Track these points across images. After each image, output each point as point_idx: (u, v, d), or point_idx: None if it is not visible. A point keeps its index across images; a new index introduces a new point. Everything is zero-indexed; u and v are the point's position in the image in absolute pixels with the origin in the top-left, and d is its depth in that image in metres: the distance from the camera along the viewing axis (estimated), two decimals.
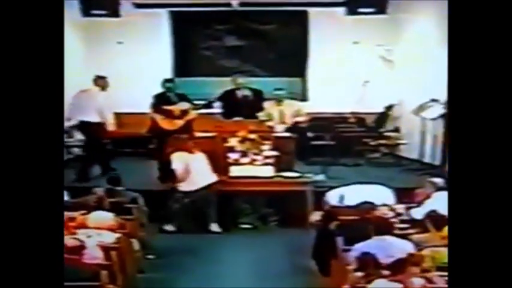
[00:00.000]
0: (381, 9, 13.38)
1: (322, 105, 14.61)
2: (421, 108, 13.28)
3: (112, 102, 12.77)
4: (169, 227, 10.94)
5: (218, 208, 11.11)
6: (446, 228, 7.47)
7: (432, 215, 7.97)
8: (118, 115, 14.69)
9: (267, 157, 11.32)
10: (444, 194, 9.11)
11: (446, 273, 6.60)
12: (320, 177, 11.70)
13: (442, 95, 12.29)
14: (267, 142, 11.42)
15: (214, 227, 11.00)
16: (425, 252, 7.05)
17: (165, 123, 12.09)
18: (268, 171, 11.23)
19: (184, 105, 12.16)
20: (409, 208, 9.11)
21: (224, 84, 13.25)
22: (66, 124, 12.58)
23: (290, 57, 16.26)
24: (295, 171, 11.36)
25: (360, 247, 7.22)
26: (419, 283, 6.21)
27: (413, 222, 8.45)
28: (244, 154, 11.32)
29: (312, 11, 15.72)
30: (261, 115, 12.53)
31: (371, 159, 14.20)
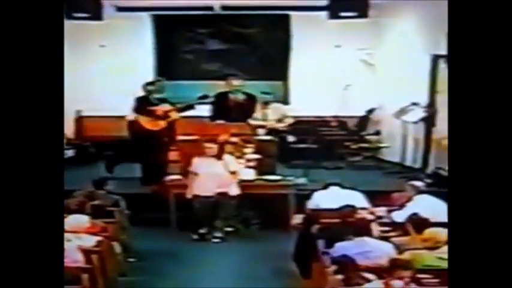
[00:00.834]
0: (362, 13, 13.43)
1: (304, 108, 14.62)
2: (402, 111, 13.34)
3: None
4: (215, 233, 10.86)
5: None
6: (427, 231, 7.53)
7: (414, 218, 8.02)
8: (99, 118, 14.74)
9: (249, 160, 11.35)
10: (425, 197, 9.20)
11: (427, 276, 6.69)
12: (302, 180, 11.74)
13: (423, 98, 12.38)
14: (249, 145, 11.44)
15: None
16: (406, 255, 7.10)
17: (148, 124, 12.09)
18: (250, 174, 11.26)
19: (166, 107, 12.17)
20: (390, 211, 9.17)
21: (206, 87, 13.26)
22: None
23: (272, 61, 16.26)
24: (277, 175, 11.39)
25: (339, 249, 7.26)
26: (399, 285, 6.26)
27: (395, 225, 8.51)
28: None
29: (294, 15, 15.75)
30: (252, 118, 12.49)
31: (352, 162, 14.25)
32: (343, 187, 9.83)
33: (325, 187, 9.86)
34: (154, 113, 12.09)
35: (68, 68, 15.08)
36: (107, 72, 15.39)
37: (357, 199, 9.32)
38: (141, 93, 12.33)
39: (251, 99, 12.74)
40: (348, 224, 8.06)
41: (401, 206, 9.19)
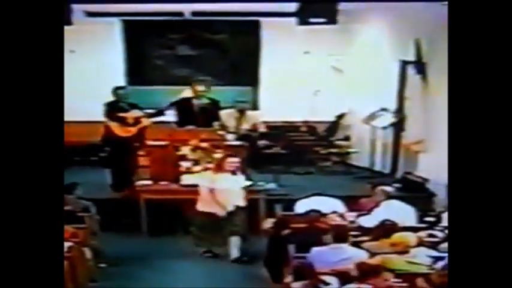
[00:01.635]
0: (331, 20, 13.44)
1: (273, 114, 14.65)
2: (372, 117, 13.43)
3: None
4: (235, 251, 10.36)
5: (170, 217, 11.18)
6: (396, 236, 7.63)
7: (386, 224, 8.10)
8: (70, 124, 14.62)
9: None
10: (393, 202, 9.29)
11: (397, 280, 6.76)
12: (272, 185, 11.79)
13: (392, 104, 12.48)
14: (218, 151, 11.47)
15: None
16: (377, 259, 7.18)
17: (119, 130, 12.08)
18: None
19: (137, 113, 12.17)
20: (358, 216, 9.25)
21: (177, 93, 13.23)
22: None
23: (242, 67, 16.31)
24: (248, 180, 11.41)
25: (316, 254, 7.32)
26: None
27: (363, 230, 8.59)
28: (196, 162, 11.37)
29: (263, 21, 15.80)
30: (216, 124, 12.48)
31: (322, 167, 14.32)
32: (325, 195, 9.90)
33: (308, 196, 9.93)
34: (125, 119, 12.08)
35: None
36: (76, 78, 15.31)
37: (338, 207, 9.43)
38: (111, 99, 12.30)
39: (215, 105, 12.73)
40: (317, 229, 8.14)
41: (370, 211, 9.28)
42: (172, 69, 16.25)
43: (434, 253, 7.61)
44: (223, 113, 12.63)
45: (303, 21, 13.51)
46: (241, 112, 12.79)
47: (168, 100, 12.93)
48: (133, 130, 12.12)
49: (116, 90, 12.41)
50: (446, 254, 6.92)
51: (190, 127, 12.10)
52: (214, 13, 15.15)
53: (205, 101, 12.59)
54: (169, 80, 15.93)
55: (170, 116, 12.77)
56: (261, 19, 15.76)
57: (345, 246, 7.54)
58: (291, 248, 7.96)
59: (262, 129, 13.00)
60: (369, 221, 8.74)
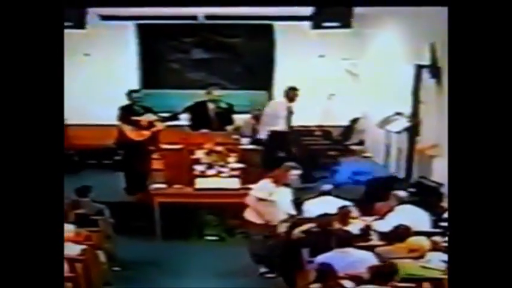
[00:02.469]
0: (346, 24, 13.45)
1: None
2: (386, 121, 13.37)
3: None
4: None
5: (184, 220, 11.17)
6: (411, 240, 7.60)
7: (401, 228, 8.06)
8: (84, 127, 14.71)
9: (233, 169, 11.36)
10: (407, 207, 9.24)
11: (411, 285, 6.74)
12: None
13: (407, 108, 12.42)
14: (233, 154, 11.46)
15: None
16: (390, 263, 7.14)
17: (133, 134, 12.08)
18: (235, 183, 11.26)
19: (151, 117, 12.17)
20: (373, 220, 9.21)
21: (191, 96, 13.25)
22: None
23: (256, 70, 16.31)
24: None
25: (320, 259, 7.29)
26: None
27: (378, 235, 8.55)
28: (210, 166, 11.36)
29: (277, 24, 15.80)
30: (230, 128, 12.47)
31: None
32: (334, 196, 9.86)
33: (317, 196, 9.89)
34: (138, 123, 12.09)
35: None
36: (91, 81, 15.38)
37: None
38: (126, 102, 12.31)
39: (230, 109, 12.74)
40: (329, 233, 8.11)
41: (383, 216, 9.23)
42: (186, 73, 16.27)
43: None
44: (239, 119, 12.64)
45: (318, 25, 13.52)
46: (257, 118, 12.80)
47: (182, 103, 12.95)
48: (147, 133, 12.12)
49: (131, 93, 12.42)
50: None
51: (205, 131, 12.11)
52: (228, 16, 15.16)
53: (221, 105, 12.60)
54: (183, 83, 15.97)
55: (184, 119, 12.79)
56: (275, 23, 15.76)
57: (351, 249, 7.51)
58: (305, 252, 7.94)
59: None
60: (384, 225, 8.70)
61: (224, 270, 9.83)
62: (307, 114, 14.95)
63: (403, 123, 12.86)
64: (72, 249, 7.67)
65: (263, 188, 9.80)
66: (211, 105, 12.63)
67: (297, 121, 14.63)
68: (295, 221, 9.31)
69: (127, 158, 12.38)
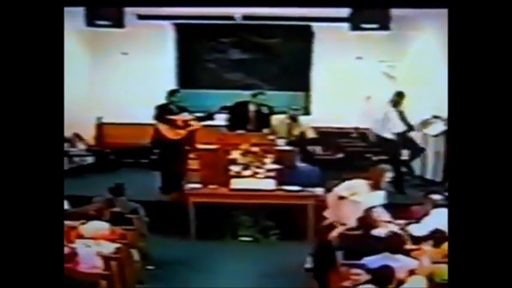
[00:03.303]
0: (384, 26, 13.36)
1: (324, 119, 14.60)
2: (423, 124, 13.30)
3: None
4: None
5: (218, 221, 11.16)
6: (445, 245, 7.50)
7: (437, 233, 7.98)
8: (120, 126, 14.79)
9: (268, 170, 11.34)
10: (443, 211, 9.13)
11: None
12: (322, 191, 11.70)
13: (444, 111, 12.31)
14: (269, 155, 11.44)
15: None
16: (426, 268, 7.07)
17: (169, 133, 12.11)
18: (270, 184, 11.24)
19: (186, 116, 12.19)
20: (408, 224, 9.11)
21: (227, 96, 13.27)
22: None
23: (294, 71, 16.30)
24: (297, 185, 11.34)
25: (375, 261, 7.21)
26: None
27: (412, 239, 8.46)
28: (246, 167, 11.35)
29: (315, 25, 15.77)
30: (266, 129, 12.43)
31: None
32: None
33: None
34: (174, 122, 12.11)
35: (90, 75, 15.35)
36: (128, 80, 15.48)
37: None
38: (162, 101, 12.33)
39: (270, 111, 12.72)
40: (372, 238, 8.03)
41: (419, 220, 9.14)
42: (223, 73, 16.31)
43: None
44: (274, 118, 12.60)
45: (356, 27, 13.44)
46: (293, 118, 12.74)
47: (219, 104, 12.96)
48: (183, 133, 12.13)
49: (171, 93, 12.43)
50: None
51: (241, 131, 12.09)
52: (265, 17, 15.15)
53: (263, 108, 12.58)
54: (220, 83, 16.01)
55: (220, 119, 12.80)
56: (313, 24, 15.72)
57: (396, 254, 7.43)
58: (339, 255, 7.86)
59: (312, 135, 12.95)
60: (419, 229, 8.61)
61: (257, 272, 9.80)
62: (344, 116, 14.92)
63: (441, 126, 12.77)
64: (106, 248, 7.69)
65: (349, 187, 9.41)
66: (252, 107, 12.61)
67: (333, 122, 14.64)
68: (332, 222, 9.23)
69: (163, 157, 12.44)
